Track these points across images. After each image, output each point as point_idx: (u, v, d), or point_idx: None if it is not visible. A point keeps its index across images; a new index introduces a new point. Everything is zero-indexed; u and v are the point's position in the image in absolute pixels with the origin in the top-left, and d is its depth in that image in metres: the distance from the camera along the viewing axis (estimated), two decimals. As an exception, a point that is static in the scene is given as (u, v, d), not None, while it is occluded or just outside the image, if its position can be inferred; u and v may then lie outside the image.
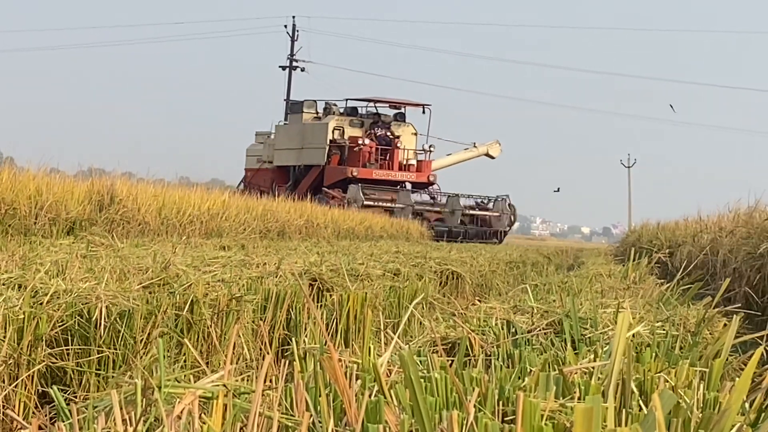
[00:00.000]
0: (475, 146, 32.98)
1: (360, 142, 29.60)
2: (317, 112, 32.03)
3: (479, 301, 4.88)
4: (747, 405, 2.02)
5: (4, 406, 2.67)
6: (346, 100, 32.21)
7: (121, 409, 1.64)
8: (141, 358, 3.22)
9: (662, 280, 6.77)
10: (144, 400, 1.80)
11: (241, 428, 1.69)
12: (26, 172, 11.04)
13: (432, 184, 30.09)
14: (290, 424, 1.66)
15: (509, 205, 28.58)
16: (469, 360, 2.65)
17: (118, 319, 3.33)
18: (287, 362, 2.44)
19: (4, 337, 2.85)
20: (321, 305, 5.23)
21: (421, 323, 3.27)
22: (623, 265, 8.70)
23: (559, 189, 44.68)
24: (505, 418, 1.78)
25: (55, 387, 2.46)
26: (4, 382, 2.56)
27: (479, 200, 29.25)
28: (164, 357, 2.62)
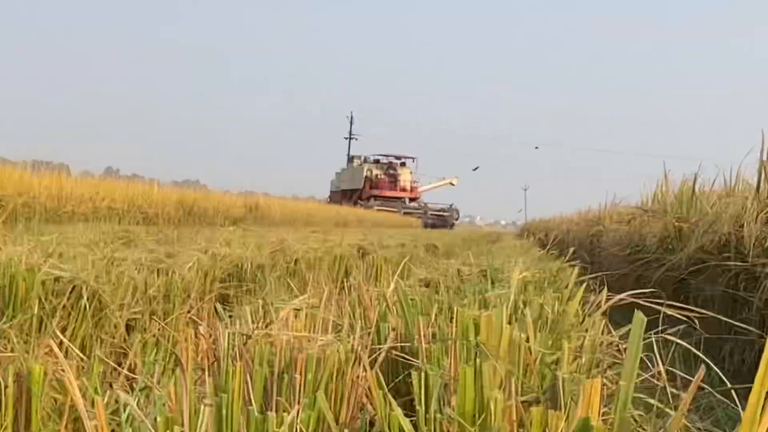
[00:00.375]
0: (444, 178, 47.68)
1: (377, 176, 42.90)
2: (360, 161, 46.13)
3: (446, 260, 6.38)
4: (580, 312, 2.63)
5: (198, 315, 3.38)
6: (374, 155, 45.96)
7: (252, 314, 2.10)
8: (266, 289, 4.14)
9: (541, 249, 8.97)
10: (264, 310, 2.33)
11: (312, 325, 2.10)
12: (212, 192, 16.49)
13: (417, 199, 43.09)
14: (339, 322, 2.14)
15: (455, 209, 41.06)
16: (437, 288, 3.37)
17: (256, 269, 4.48)
18: (346, 290, 3.02)
19: (200, 278, 3.92)
20: (363, 261, 7.00)
21: (411, 270, 4.20)
22: (521, 241, 11.83)
23: (477, 167, 55.25)
24: (451, 320, 2.14)
25: (220, 305, 2.98)
26: (196, 302, 3.39)
27: (441, 206, 41.46)
28: (280, 288, 3.70)
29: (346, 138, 55.01)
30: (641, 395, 1.57)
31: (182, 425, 1.05)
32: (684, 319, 3.35)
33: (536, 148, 64.91)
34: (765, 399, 0.93)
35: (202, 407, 0.87)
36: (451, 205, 41.45)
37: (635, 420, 1.39)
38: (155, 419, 1.04)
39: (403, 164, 44.21)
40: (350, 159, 50.43)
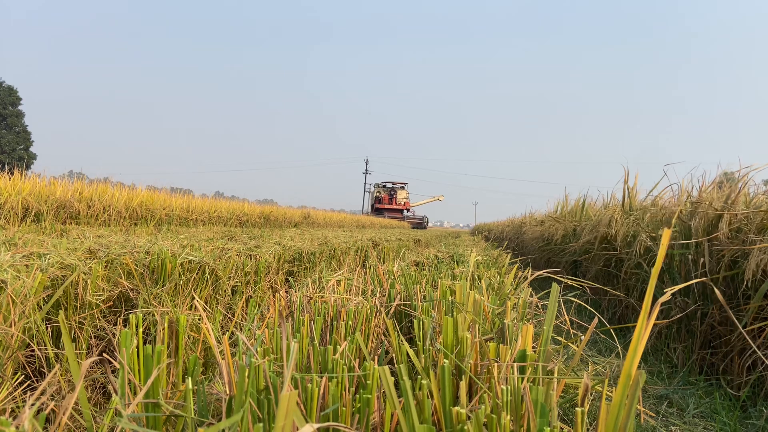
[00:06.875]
0: (434, 196, 47.66)
1: (383, 196, 42.58)
2: (375, 186, 44.38)
3: (427, 249, 6.40)
4: (513, 282, 2.56)
5: (275, 284, 3.35)
6: (382, 182, 44.94)
7: (312, 283, 2.17)
8: (317, 267, 4.08)
9: (486, 242, 8.91)
10: (318, 281, 2.39)
11: (348, 290, 2.10)
12: (281, 206, 15.42)
13: (409, 210, 42.48)
14: (363, 288, 2.12)
15: (426, 217, 40.53)
16: (423, 266, 3.38)
17: (310, 254, 4.34)
18: (366, 268, 3.46)
19: (276, 260, 3.66)
20: (375, 249, 6.67)
21: (406, 255, 4.23)
22: (473, 237, 11.76)
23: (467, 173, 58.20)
24: (435, 287, 2.24)
25: (289, 277, 3.25)
26: (274, 274, 3.35)
27: (420, 215, 40.99)
28: (325, 267, 3.75)
29: (364, 173, 57.39)
30: (554, 335, 1.55)
31: (275, 353, 1.05)
32: (578, 286, 3.30)
33: (465, 174, 65.19)
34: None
35: (292, 342, 0.87)
36: (424, 215, 43.52)
37: (553, 350, 1.37)
38: (256, 349, 1.03)
39: (401, 188, 44.34)
40: (365, 187, 50.97)
